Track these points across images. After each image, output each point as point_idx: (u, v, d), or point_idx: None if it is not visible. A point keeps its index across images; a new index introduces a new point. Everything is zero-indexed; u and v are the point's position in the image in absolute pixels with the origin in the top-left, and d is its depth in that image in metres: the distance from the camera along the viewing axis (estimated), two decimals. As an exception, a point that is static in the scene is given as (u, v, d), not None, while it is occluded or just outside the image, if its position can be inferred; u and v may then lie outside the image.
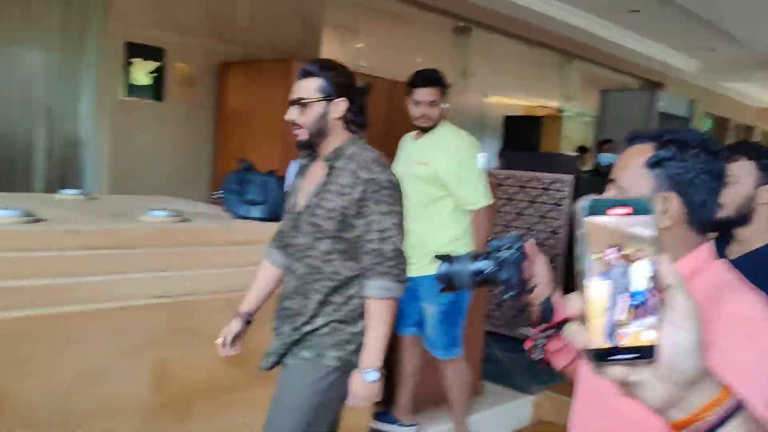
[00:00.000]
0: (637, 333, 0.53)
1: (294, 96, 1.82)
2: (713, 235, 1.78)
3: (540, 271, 1.24)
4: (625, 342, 0.53)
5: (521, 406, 3.67)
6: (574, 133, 9.35)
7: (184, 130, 5.04)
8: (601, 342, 0.54)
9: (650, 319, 0.54)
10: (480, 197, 2.80)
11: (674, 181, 1.02)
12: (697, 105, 8.79)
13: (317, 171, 1.89)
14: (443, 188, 2.77)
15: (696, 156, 1.02)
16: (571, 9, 7.29)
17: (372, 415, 2.87)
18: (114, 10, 4.61)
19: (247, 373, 2.22)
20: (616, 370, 0.54)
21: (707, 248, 1.07)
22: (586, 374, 1.15)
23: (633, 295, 0.54)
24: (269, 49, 5.21)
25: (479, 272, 1.22)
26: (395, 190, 1.81)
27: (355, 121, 1.87)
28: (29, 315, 1.89)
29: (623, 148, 1.14)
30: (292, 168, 4.16)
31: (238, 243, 2.48)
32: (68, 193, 2.94)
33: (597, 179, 4.67)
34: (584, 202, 0.55)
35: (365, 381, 1.78)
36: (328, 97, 1.81)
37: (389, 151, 5.15)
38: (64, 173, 4.71)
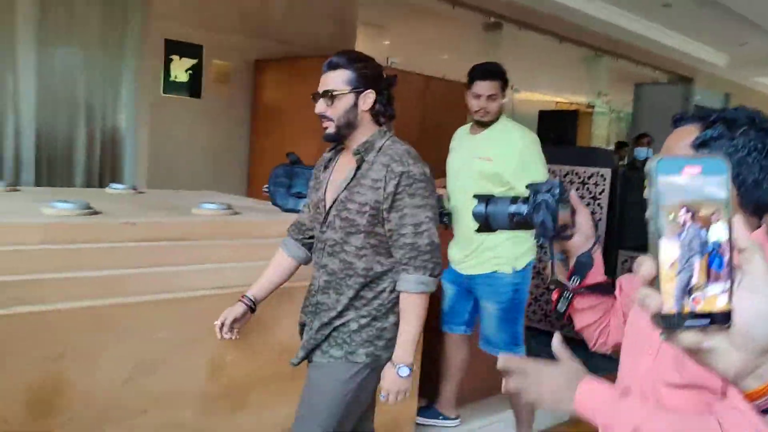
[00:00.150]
0: (712, 298, 0.51)
1: (322, 88, 1.79)
2: None
3: (582, 223, 1.20)
4: (699, 307, 0.51)
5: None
6: (603, 129, 9.27)
7: (220, 126, 5.09)
8: (673, 307, 0.51)
9: (725, 284, 0.51)
10: None
11: None
12: (732, 98, 8.66)
13: (344, 164, 1.86)
14: (505, 185, 2.68)
15: (745, 134, 0.97)
16: (602, 4, 7.22)
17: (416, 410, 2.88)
18: (153, 9, 4.68)
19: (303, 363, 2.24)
20: (689, 337, 0.51)
21: (762, 232, 1.02)
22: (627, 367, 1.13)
23: (709, 258, 0.51)
24: (304, 45, 5.24)
25: (516, 214, 1.18)
26: (429, 182, 1.78)
27: (384, 113, 1.83)
28: (91, 305, 1.93)
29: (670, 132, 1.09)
30: None
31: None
32: (117, 188, 3.01)
33: (634, 173, 4.63)
34: (656, 160, 0.53)
35: (398, 376, 1.77)
36: (357, 89, 1.77)
37: (424, 144, 5.14)
38: (103, 169, 4.80)
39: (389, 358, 1.81)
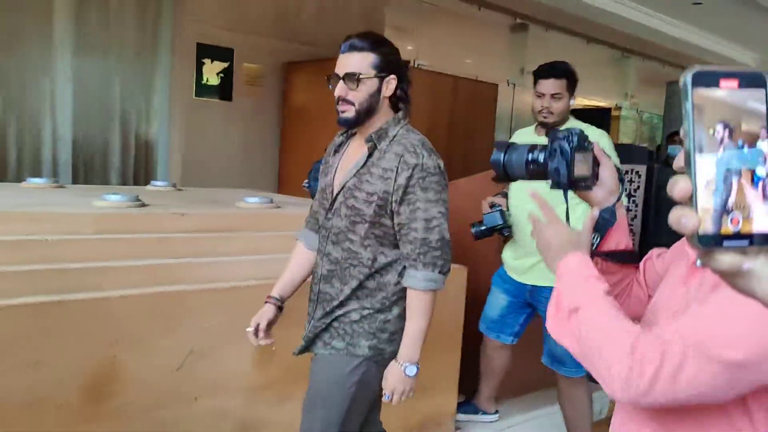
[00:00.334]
0: (752, 218, 0.48)
1: (343, 70, 1.69)
2: None
3: (605, 177, 1.15)
4: (739, 227, 0.47)
5: (597, 399, 3.62)
6: (631, 132, 9.19)
7: (251, 128, 5.15)
8: (710, 227, 0.48)
9: (767, 204, 0.48)
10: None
11: None
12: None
13: (355, 150, 1.79)
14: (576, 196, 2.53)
15: None
16: (630, 4, 7.17)
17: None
18: (186, 13, 4.75)
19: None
20: (727, 258, 0.48)
21: None
22: None
23: (750, 176, 0.48)
24: (333, 48, 5.27)
25: (533, 162, 1.13)
26: (442, 176, 1.71)
27: (404, 99, 1.77)
28: (143, 293, 1.96)
29: None
30: None
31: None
32: (158, 185, 3.05)
33: (669, 170, 4.58)
34: (690, 72, 0.49)
35: (404, 375, 1.70)
36: (381, 74, 1.70)
37: (453, 143, 5.18)
38: (137, 170, 4.88)
39: (393, 353, 1.75)
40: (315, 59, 5.16)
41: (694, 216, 0.48)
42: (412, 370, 1.70)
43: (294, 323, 1.94)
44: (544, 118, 2.60)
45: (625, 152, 4.87)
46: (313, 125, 4.89)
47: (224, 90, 5.01)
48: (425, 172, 1.66)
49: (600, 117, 8.40)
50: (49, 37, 4.39)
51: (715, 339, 0.85)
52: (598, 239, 1.16)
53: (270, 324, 1.87)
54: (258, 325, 1.86)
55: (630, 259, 1.19)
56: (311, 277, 1.89)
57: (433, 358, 2.69)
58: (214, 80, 4.95)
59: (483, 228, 2.60)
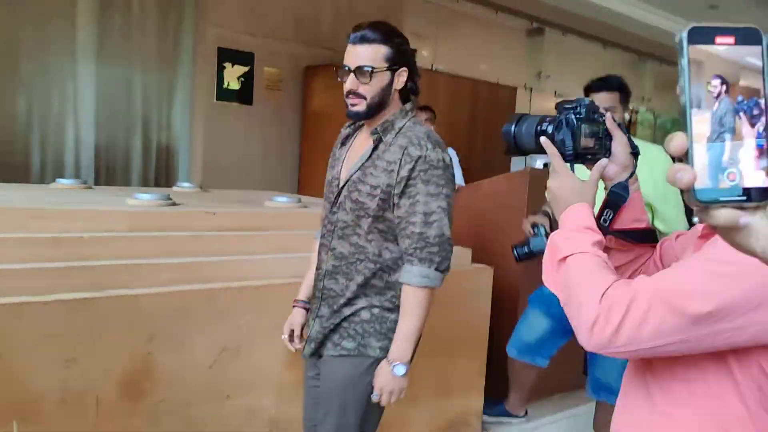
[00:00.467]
0: (749, 173, 0.47)
1: (354, 63, 1.63)
2: None
3: (617, 151, 1.11)
4: (735, 183, 0.47)
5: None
6: (647, 134, 9.14)
7: (271, 131, 5.17)
8: (706, 182, 0.48)
9: (764, 159, 0.48)
10: (680, 220, 2.36)
11: None
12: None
13: (362, 143, 1.75)
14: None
15: None
16: (646, 7, 7.15)
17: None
18: (207, 18, 4.79)
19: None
20: (724, 213, 0.48)
21: None
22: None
23: (751, 131, 0.47)
24: (352, 52, 5.30)
25: (541, 132, 1.09)
26: (446, 170, 1.64)
27: (414, 91, 1.72)
28: (176, 290, 1.96)
29: None
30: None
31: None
32: (185, 186, 3.06)
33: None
34: (686, 28, 0.49)
35: (393, 374, 1.63)
36: (393, 67, 1.65)
37: (473, 145, 5.19)
38: (158, 173, 4.92)
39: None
40: (334, 63, 5.17)
41: (690, 170, 0.48)
42: (401, 370, 1.63)
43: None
44: None
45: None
46: (333, 129, 4.85)
47: (245, 94, 5.04)
48: (428, 164, 1.61)
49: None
50: (73, 45, 4.45)
51: (681, 292, 0.87)
52: (611, 215, 1.13)
53: (302, 327, 1.88)
54: (293, 331, 1.87)
55: (646, 237, 1.16)
56: (315, 273, 1.83)
57: (459, 358, 2.69)
58: (234, 84, 4.99)
59: (527, 251, 2.37)
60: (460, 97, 5.20)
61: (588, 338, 0.92)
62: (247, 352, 2.08)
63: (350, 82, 1.63)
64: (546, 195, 1.14)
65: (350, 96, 1.65)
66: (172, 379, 1.94)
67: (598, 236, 1.03)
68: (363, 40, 1.62)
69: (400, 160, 1.61)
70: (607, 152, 1.11)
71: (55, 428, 1.73)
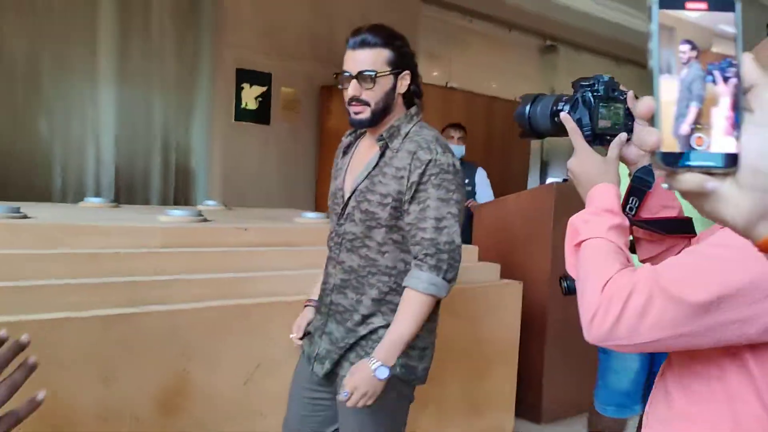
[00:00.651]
0: (717, 139, 0.47)
1: (355, 68, 1.56)
2: None
3: (638, 132, 1.06)
4: (702, 148, 0.47)
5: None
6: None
7: (288, 150, 5.20)
8: (673, 145, 0.47)
9: (732, 125, 0.47)
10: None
11: None
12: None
13: (365, 150, 1.67)
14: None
15: None
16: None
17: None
18: (225, 39, 4.84)
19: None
20: (691, 178, 0.47)
21: None
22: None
23: (715, 98, 0.47)
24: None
25: (558, 112, 1.02)
26: (456, 175, 1.57)
27: (417, 94, 1.66)
28: (211, 306, 1.96)
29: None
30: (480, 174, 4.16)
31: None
32: (210, 204, 3.07)
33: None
34: None
35: (372, 375, 1.51)
36: (396, 71, 1.58)
37: (491, 161, 5.18)
38: (177, 193, 4.95)
39: (425, 369, 1.65)
40: (350, 83, 5.22)
41: (655, 132, 0.47)
42: (383, 372, 1.51)
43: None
44: None
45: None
46: (350, 147, 4.92)
47: (262, 114, 5.07)
48: (438, 168, 1.54)
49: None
50: (94, 68, 4.51)
51: (682, 280, 0.82)
52: (636, 203, 1.05)
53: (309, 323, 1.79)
54: (303, 330, 1.78)
55: (678, 227, 1.06)
56: (321, 288, 1.75)
57: (489, 375, 2.66)
58: (252, 104, 5.02)
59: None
60: (476, 114, 5.21)
61: (588, 330, 0.88)
62: (280, 368, 2.06)
63: (352, 89, 1.57)
64: (568, 175, 1.08)
65: (353, 103, 1.58)
66: (208, 396, 1.93)
67: (618, 219, 0.97)
68: (363, 44, 1.56)
69: (410, 165, 1.55)
70: (630, 133, 1.02)
71: (93, 445, 1.72)
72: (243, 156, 4.99)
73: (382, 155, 1.60)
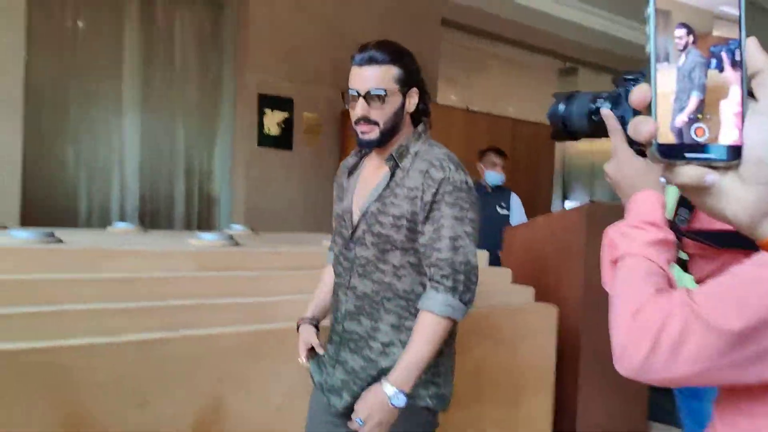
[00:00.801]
0: (718, 129, 0.43)
1: (363, 86, 1.51)
2: None
3: (632, 122, 0.92)
4: (702, 139, 0.43)
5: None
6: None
7: (310, 175, 5.20)
8: (671, 136, 0.43)
9: (735, 115, 0.43)
10: None
11: None
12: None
13: (373, 171, 1.62)
14: None
15: None
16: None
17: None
18: (247, 65, 4.89)
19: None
20: (689, 171, 0.44)
21: None
22: None
23: (717, 85, 0.43)
24: (389, 95, 5.36)
25: (596, 110, 0.92)
26: (470, 193, 1.52)
27: (425, 112, 1.61)
28: (244, 331, 1.93)
29: None
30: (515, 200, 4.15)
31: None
32: (237, 228, 3.06)
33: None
34: None
35: (388, 403, 1.43)
36: (404, 89, 1.54)
37: (516, 184, 5.14)
38: (201, 218, 4.97)
39: (450, 393, 1.59)
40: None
41: (651, 122, 0.44)
42: (400, 400, 1.44)
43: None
44: None
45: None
46: (372, 171, 4.91)
47: (284, 139, 5.10)
48: (452, 186, 1.49)
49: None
50: (119, 97, 4.59)
51: (716, 307, 0.72)
52: (687, 214, 0.95)
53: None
54: (311, 345, 1.71)
55: (735, 241, 0.92)
56: (332, 315, 1.69)
57: (524, 399, 2.59)
58: (275, 130, 5.05)
59: None
60: (501, 137, 5.20)
61: (620, 363, 0.79)
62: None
63: (361, 108, 1.51)
64: (606, 180, 0.98)
65: (361, 123, 1.53)
66: (241, 421, 1.89)
67: (660, 233, 0.86)
68: (371, 61, 1.51)
69: (423, 184, 1.50)
70: None
71: (128, 473, 1.69)
72: (265, 181, 5.01)
73: (392, 176, 1.55)
